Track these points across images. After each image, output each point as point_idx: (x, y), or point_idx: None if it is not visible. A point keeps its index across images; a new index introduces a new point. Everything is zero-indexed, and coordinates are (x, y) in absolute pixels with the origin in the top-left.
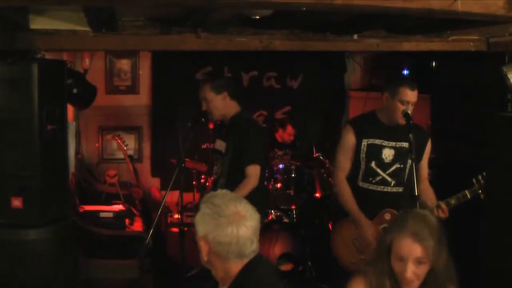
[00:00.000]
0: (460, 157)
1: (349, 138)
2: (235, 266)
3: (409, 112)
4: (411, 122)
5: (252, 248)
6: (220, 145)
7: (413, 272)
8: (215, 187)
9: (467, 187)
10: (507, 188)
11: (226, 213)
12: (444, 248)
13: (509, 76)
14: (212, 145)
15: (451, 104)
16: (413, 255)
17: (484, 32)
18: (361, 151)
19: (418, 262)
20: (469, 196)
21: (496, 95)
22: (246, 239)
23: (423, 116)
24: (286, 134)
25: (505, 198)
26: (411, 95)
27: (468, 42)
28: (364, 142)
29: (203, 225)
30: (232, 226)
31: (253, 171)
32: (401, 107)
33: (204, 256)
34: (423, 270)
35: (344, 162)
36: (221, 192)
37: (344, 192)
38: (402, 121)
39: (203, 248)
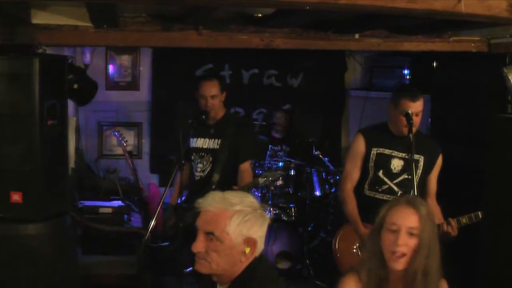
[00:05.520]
0: (459, 158)
1: (359, 146)
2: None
3: (416, 123)
4: (411, 121)
5: None
6: (204, 143)
7: (404, 243)
8: (206, 184)
9: (479, 208)
10: (507, 189)
11: (259, 207)
12: (433, 224)
13: (509, 77)
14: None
15: (451, 105)
16: (407, 223)
17: (485, 33)
18: (370, 160)
19: (410, 233)
20: (481, 217)
21: (496, 96)
22: None
23: (422, 116)
24: (282, 119)
25: (504, 199)
26: (413, 106)
27: (469, 43)
28: (374, 151)
29: (249, 226)
30: (266, 219)
31: (248, 166)
32: (404, 119)
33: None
34: (412, 243)
35: (353, 171)
36: (231, 191)
37: (350, 203)
38: (406, 131)
39: (240, 248)
